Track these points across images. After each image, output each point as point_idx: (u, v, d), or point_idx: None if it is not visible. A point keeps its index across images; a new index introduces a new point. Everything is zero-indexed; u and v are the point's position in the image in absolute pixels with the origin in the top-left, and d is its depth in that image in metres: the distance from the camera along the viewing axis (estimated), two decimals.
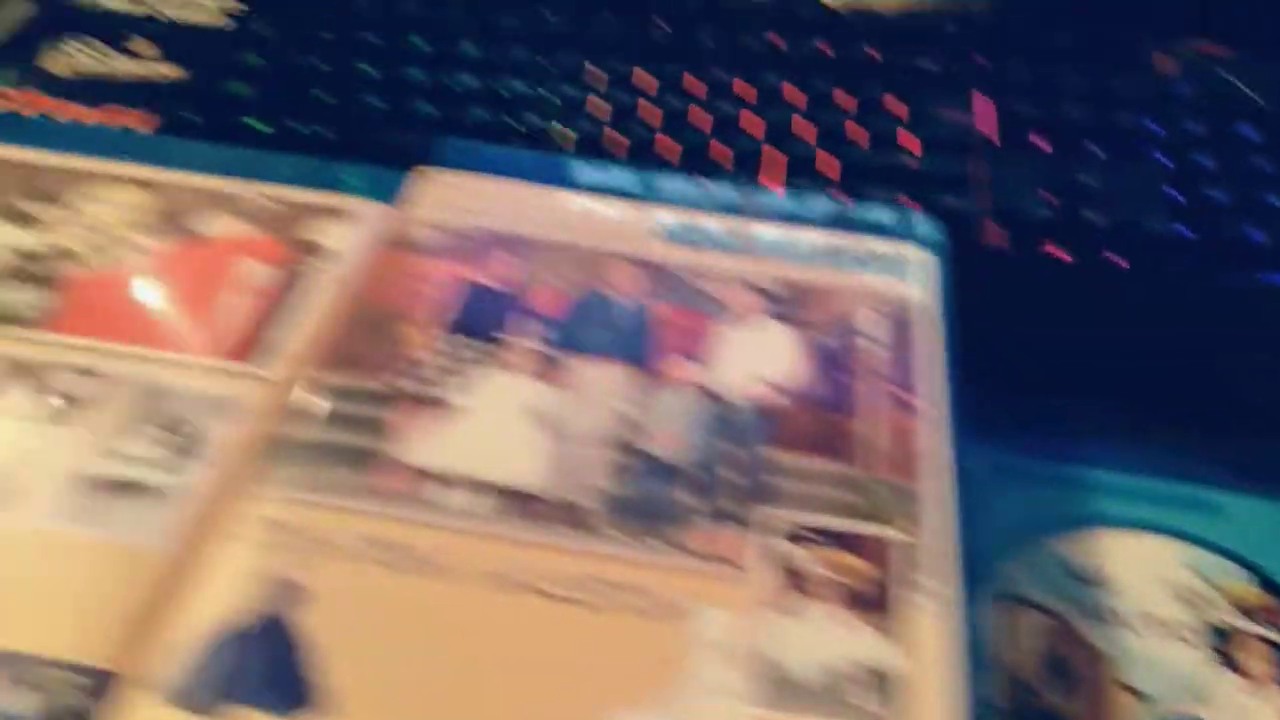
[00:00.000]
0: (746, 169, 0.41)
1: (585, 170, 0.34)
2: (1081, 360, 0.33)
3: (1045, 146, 0.42)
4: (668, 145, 0.41)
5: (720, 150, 0.41)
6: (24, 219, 0.31)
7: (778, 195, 0.34)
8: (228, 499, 0.25)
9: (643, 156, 0.41)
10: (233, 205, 0.32)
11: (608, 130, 0.41)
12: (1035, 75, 0.45)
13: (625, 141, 0.41)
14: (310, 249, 0.31)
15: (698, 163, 0.41)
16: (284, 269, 0.31)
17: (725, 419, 0.26)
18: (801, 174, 0.40)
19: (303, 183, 0.33)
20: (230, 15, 0.54)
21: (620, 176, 0.34)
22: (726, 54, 0.46)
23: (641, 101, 0.43)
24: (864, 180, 0.40)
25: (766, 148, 0.41)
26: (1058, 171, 0.41)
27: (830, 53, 0.46)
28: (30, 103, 0.47)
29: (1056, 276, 0.37)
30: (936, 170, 0.40)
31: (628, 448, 0.26)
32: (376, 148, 0.40)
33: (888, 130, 0.42)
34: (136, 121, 0.46)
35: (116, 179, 0.33)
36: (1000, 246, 0.38)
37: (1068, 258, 0.38)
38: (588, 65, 0.45)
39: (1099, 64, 0.45)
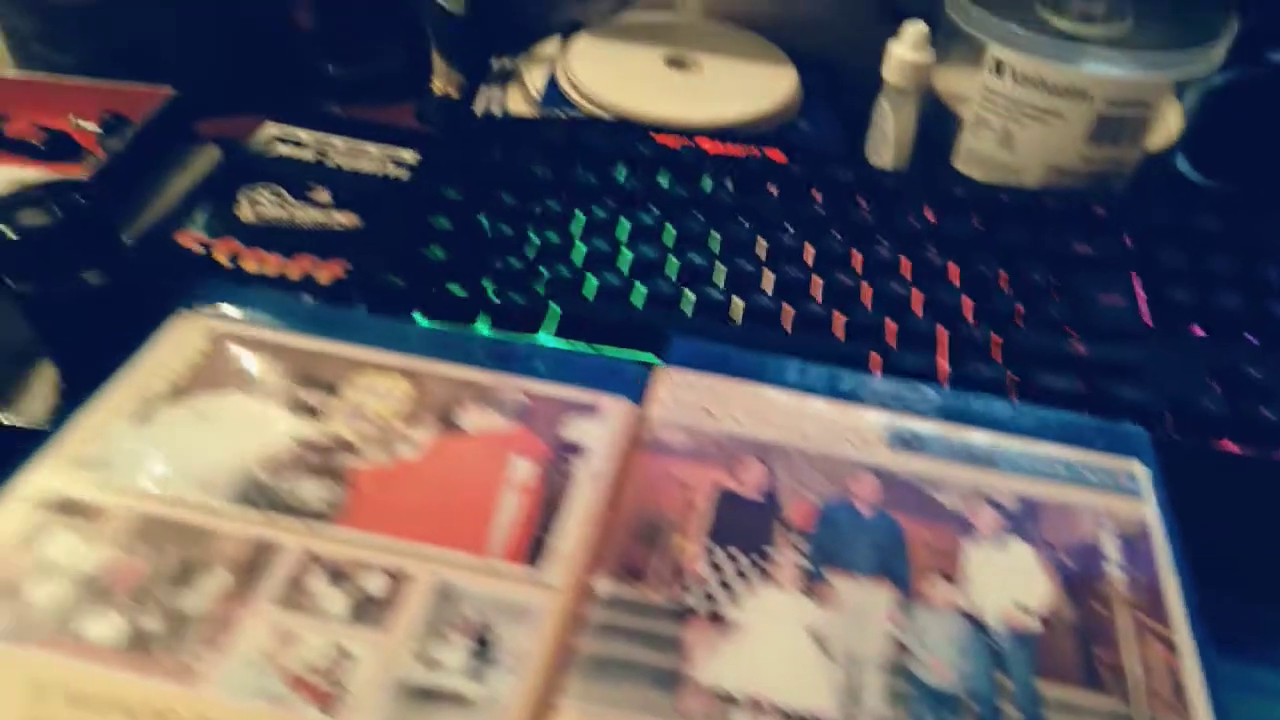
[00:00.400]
0: (916, 348, 0.43)
1: (802, 370, 0.37)
2: None
3: (1203, 333, 0.45)
4: (838, 321, 0.43)
5: (891, 328, 0.43)
6: (304, 408, 0.34)
7: (989, 399, 0.36)
8: (535, 712, 0.27)
9: (810, 330, 0.43)
10: (492, 398, 0.35)
11: (784, 305, 0.44)
12: (1188, 259, 0.47)
13: (792, 311, 0.44)
14: (566, 446, 0.33)
15: (866, 339, 0.43)
16: (545, 465, 0.33)
17: (992, 647, 0.28)
18: (968, 356, 0.43)
19: (548, 374, 0.35)
20: (394, 161, 0.58)
21: (838, 377, 0.36)
22: (885, 229, 0.49)
23: (812, 277, 0.46)
24: (1032, 366, 0.42)
25: (938, 329, 0.43)
26: (1219, 360, 0.43)
27: (982, 227, 0.49)
28: (227, 250, 0.50)
29: (1244, 472, 0.39)
30: (1103, 358, 0.43)
31: (903, 673, 0.27)
32: (585, 323, 0.43)
33: (1051, 314, 0.44)
34: (330, 274, 0.49)
35: (382, 368, 0.35)
36: (1179, 439, 0.40)
37: (1243, 452, 0.40)
38: (758, 237, 0.48)
39: (1247, 248, 0.48)
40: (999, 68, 0.52)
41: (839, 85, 0.65)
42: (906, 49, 0.54)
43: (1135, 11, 0.56)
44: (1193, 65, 0.52)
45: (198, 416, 0.32)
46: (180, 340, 0.35)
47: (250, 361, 0.35)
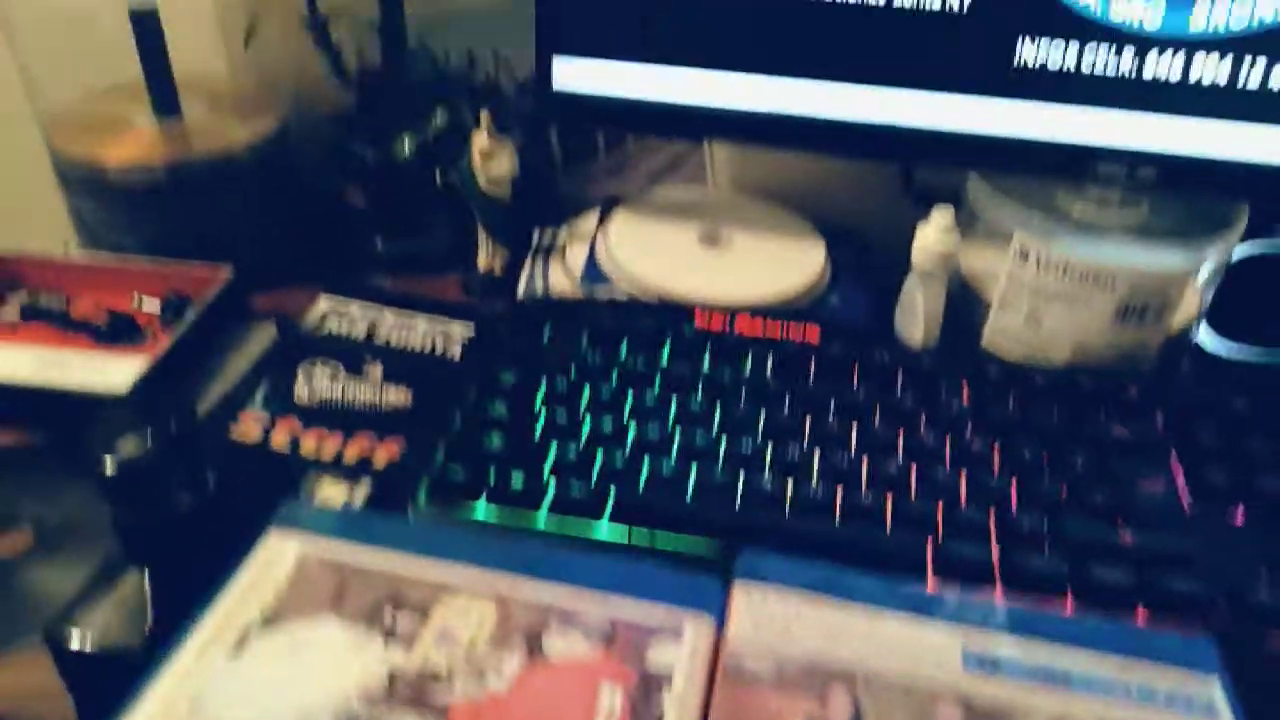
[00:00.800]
0: (968, 538, 0.44)
1: (871, 582, 0.37)
2: None
3: (1246, 518, 0.46)
4: (887, 510, 0.45)
5: (940, 517, 0.44)
6: (394, 634, 0.34)
7: (1060, 614, 0.37)
8: None
9: (860, 520, 0.44)
10: (575, 621, 0.35)
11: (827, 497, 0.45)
12: (1222, 440, 0.49)
13: (841, 500, 0.45)
14: (652, 675, 0.34)
15: (918, 529, 0.44)
16: (632, 696, 0.33)
17: None
18: (1020, 546, 0.43)
19: (628, 589, 0.36)
20: (442, 334, 0.60)
21: (906, 590, 0.37)
22: (926, 413, 0.50)
23: (858, 464, 0.47)
24: (1083, 557, 0.43)
25: (988, 517, 0.44)
26: (1266, 546, 0.44)
27: (1019, 409, 0.51)
28: (288, 430, 0.51)
29: None
30: (1151, 548, 0.43)
31: None
32: (642, 512, 0.44)
33: (1095, 501, 0.45)
34: (387, 455, 0.50)
35: (467, 591, 0.36)
36: (1235, 631, 0.40)
37: None
38: (803, 421, 0.49)
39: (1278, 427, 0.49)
40: (1024, 254, 0.55)
41: (867, 256, 0.67)
42: (934, 235, 0.56)
43: (1151, 197, 0.59)
44: (1211, 253, 0.55)
45: (291, 648, 0.33)
46: (268, 563, 0.36)
47: (338, 585, 0.36)
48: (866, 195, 0.69)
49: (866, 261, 0.67)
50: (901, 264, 0.58)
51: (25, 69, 0.64)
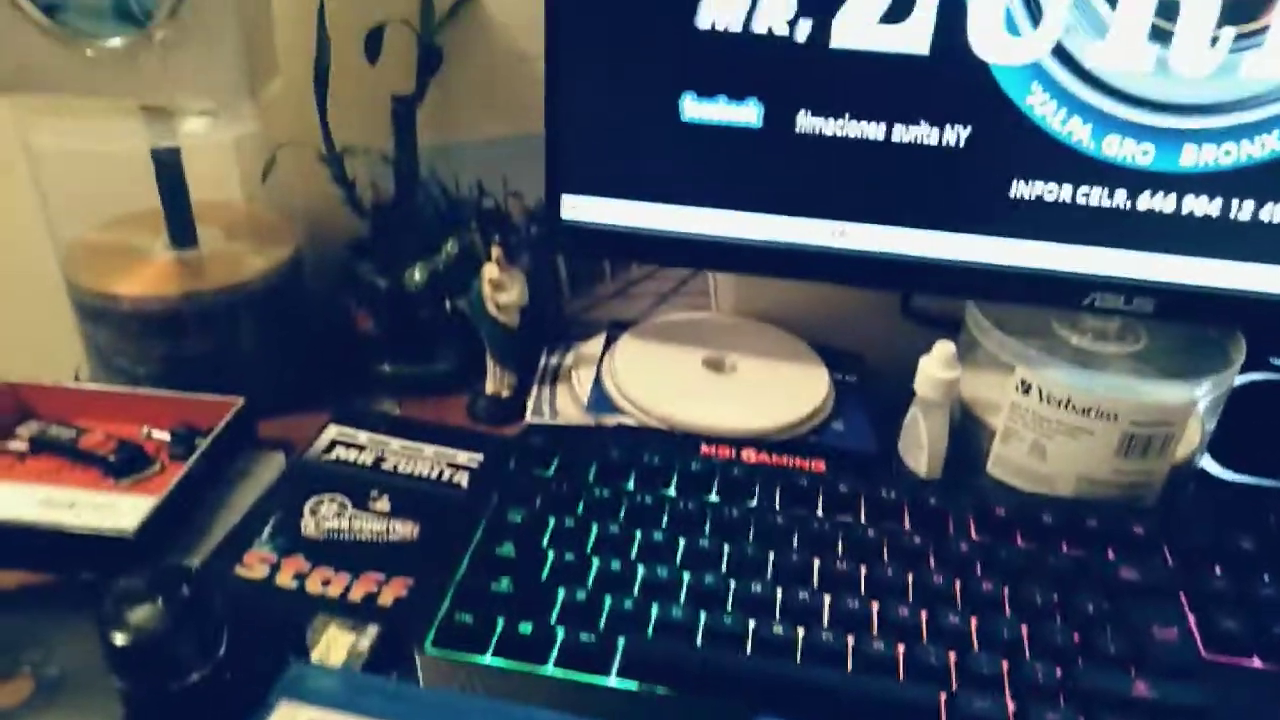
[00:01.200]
0: (982, 689, 0.43)
1: None
2: None
3: (1261, 665, 0.45)
4: (899, 658, 0.44)
5: (953, 664, 0.44)
6: None
7: None
8: None
9: (873, 669, 0.44)
10: None
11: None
12: (1233, 582, 0.49)
13: (852, 648, 0.44)
14: None
15: (930, 680, 0.44)
16: None
17: None
18: (1035, 697, 0.43)
19: None
20: (449, 463, 0.60)
21: None
22: (934, 552, 0.50)
23: (868, 608, 0.47)
24: (1099, 710, 0.42)
25: (1002, 666, 0.44)
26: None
27: (1027, 547, 0.51)
28: (293, 569, 0.51)
29: None
30: (1167, 700, 0.43)
31: None
32: (651, 664, 0.44)
33: (1108, 650, 0.45)
34: (394, 594, 0.50)
35: None
36: None
37: None
38: (812, 561, 0.49)
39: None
40: (1026, 388, 0.56)
41: (869, 379, 0.68)
42: (936, 367, 0.57)
43: (1148, 328, 0.60)
44: (1212, 384, 0.55)
45: None
46: None
47: None
48: (867, 318, 0.70)
49: (868, 384, 0.68)
50: (902, 384, 0.59)
51: (46, 197, 0.65)
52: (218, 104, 0.58)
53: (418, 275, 0.64)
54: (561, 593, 0.47)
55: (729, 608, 0.47)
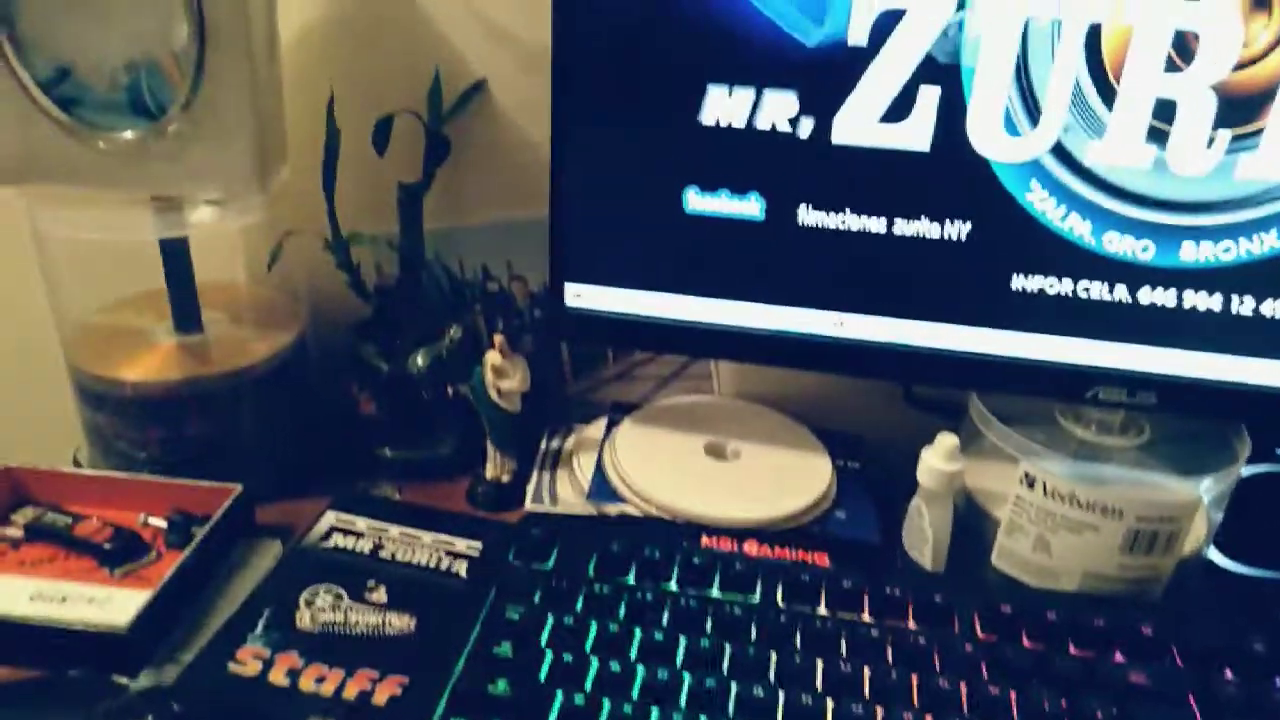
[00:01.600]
0: None
1: None
2: None
3: None
4: None
5: None
6: None
7: None
8: None
9: None
10: None
11: None
12: (1244, 689, 0.48)
13: None
14: None
15: None
16: None
17: None
18: None
19: None
20: (447, 551, 0.59)
21: None
22: (940, 652, 0.49)
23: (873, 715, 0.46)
24: None
25: None
26: None
27: (1034, 647, 0.50)
28: (286, 666, 0.50)
29: None
30: None
31: None
32: None
33: None
34: (388, 692, 0.49)
35: None
36: None
37: None
38: (815, 663, 0.48)
39: None
40: (1030, 482, 0.55)
41: (870, 466, 0.68)
42: (939, 459, 0.57)
43: (1152, 419, 0.60)
44: (1217, 478, 0.55)
45: None
46: None
47: None
48: (868, 402, 0.70)
49: (870, 470, 0.67)
50: (905, 469, 0.58)
51: (52, 280, 0.66)
52: (228, 195, 0.59)
53: (420, 360, 0.64)
54: (560, 696, 0.46)
55: (730, 713, 0.46)
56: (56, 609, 0.52)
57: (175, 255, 0.61)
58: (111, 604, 0.52)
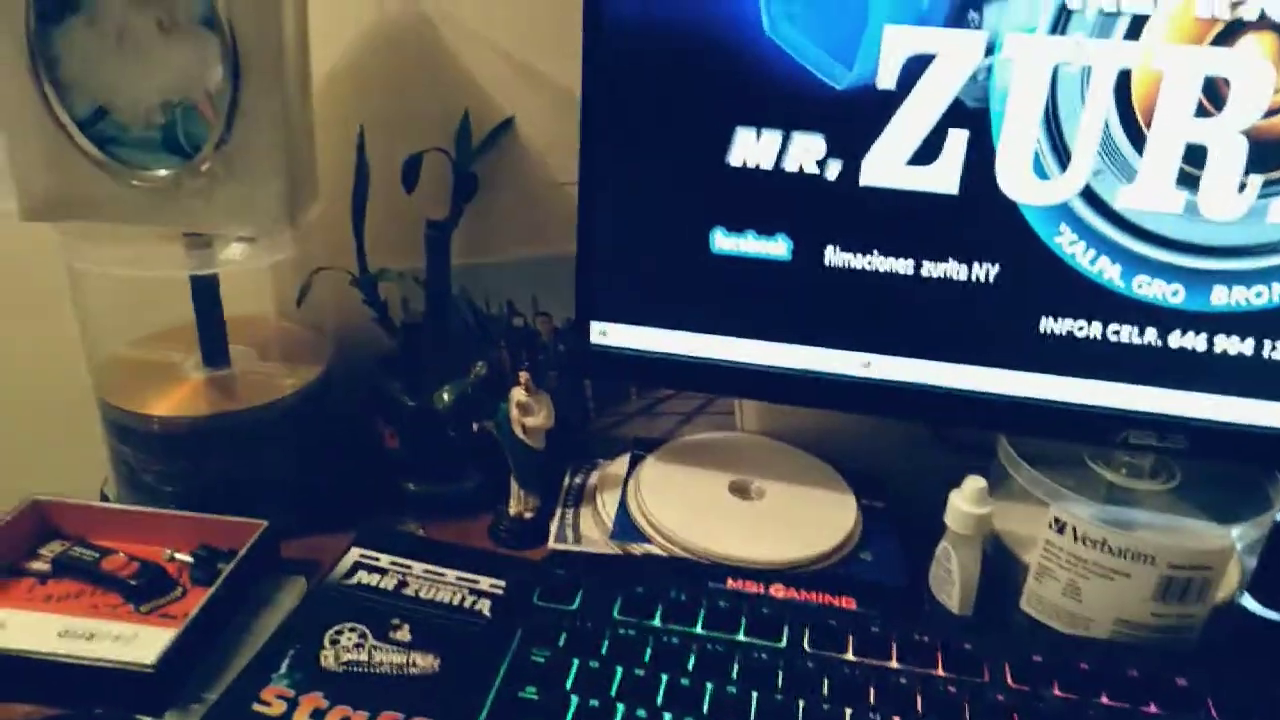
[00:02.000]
0: None
1: None
2: None
3: None
4: None
5: None
6: None
7: None
8: None
9: None
10: None
11: None
12: None
13: None
14: None
15: None
16: None
17: None
18: None
19: None
20: (471, 589, 0.59)
21: None
22: (970, 702, 0.49)
23: None
24: None
25: None
26: None
27: (1065, 697, 0.49)
28: (311, 707, 0.50)
29: None
30: None
31: None
32: None
33: None
34: None
35: None
36: None
37: None
38: (844, 712, 0.48)
39: None
40: (1060, 527, 0.55)
41: (897, 506, 0.67)
42: (967, 502, 0.56)
43: (1183, 463, 0.59)
44: (1250, 525, 0.54)
45: None
46: None
47: None
48: (895, 443, 0.70)
49: (896, 511, 0.67)
50: (931, 512, 0.58)
51: (84, 315, 0.66)
52: (259, 232, 0.59)
53: (446, 396, 0.64)
54: None
55: None
56: (84, 646, 0.52)
57: (205, 291, 0.61)
58: (137, 641, 0.52)
